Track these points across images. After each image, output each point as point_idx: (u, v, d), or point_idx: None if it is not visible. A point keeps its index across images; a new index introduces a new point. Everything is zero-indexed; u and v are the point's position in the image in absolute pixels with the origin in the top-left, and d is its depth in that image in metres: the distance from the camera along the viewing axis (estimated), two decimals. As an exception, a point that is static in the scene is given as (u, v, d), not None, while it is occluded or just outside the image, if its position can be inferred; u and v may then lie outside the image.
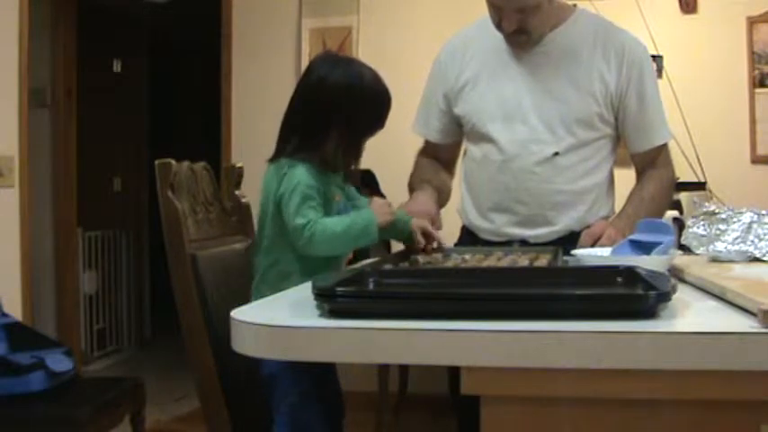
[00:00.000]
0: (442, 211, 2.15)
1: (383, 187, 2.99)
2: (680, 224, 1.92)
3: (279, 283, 1.57)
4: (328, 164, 1.64)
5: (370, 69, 1.70)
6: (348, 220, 1.58)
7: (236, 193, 1.94)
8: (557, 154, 1.95)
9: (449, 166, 2.24)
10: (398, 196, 2.32)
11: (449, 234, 2.16)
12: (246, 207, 1.96)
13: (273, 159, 1.65)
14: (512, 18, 1.88)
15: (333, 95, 1.62)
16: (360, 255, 2.23)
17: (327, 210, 1.62)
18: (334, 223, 1.56)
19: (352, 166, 1.71)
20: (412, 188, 2.14)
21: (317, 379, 1.56)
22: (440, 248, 1.78)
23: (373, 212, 1.61)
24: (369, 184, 2.77)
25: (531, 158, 1.96)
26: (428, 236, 1.77)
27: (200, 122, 6.25)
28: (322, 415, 1.56)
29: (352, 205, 1.75)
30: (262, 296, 1.60)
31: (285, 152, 1.63)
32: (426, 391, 2.95)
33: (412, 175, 2.19)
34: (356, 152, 1.69)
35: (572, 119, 1.95)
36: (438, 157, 2.21)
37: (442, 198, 2.13)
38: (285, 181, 1.59)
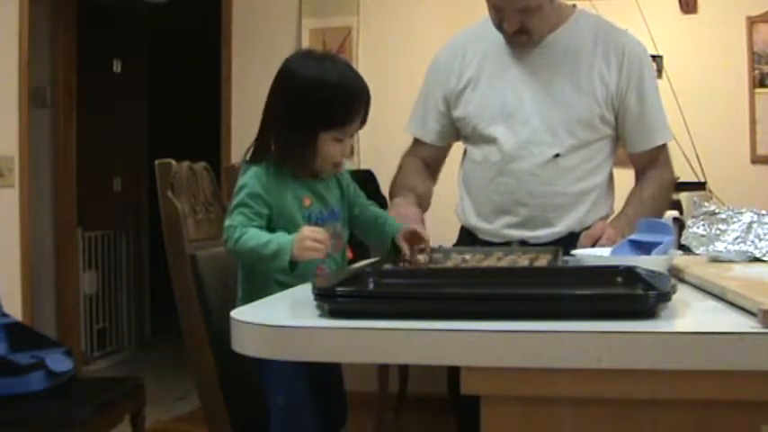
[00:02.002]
0: (439, 212, 2.15)
1: (383, 189, 2.99)
2: (680, 224, 1.92)
3: (254, 281, 1.58)
4: (286, 163, 1.55)
5: (345, 65, 1.60)
6: (264, 240, 1.46)
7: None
8: (558, 155, 1.95)
9: (435, 172, 2.20)
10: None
11: (447, 235, 2.16)
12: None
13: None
14: (513, 18, 1.88)
15: (286, 87, 1.55)
16: (360, 255, 2.22)
17: (287, 216, 1.53)
18: (253, 237, 1.47)
19: (313, 166, 1.58)
20: (394, 193, 2.08)
21: (314, 381, 1.55)
22: (425, 253, 1.67)
23: (294, 241, 1.44)
24: (369, 185, 2.76)
25: (532, 160, 1.95)
26: (414, 239, 1.64)
27: (200, 123, 6.25)
28: (314, 419, 1.55)
29: (359, 207, 1.71)
30: (243, 293, 1.60)
31: (252, 154, 1.61)
32: (426, 391, 2.94)
33: (396, 179, 2.13)
34: (306, 145, 1.54)
35: (573, 120, 1.95)
36: (427, 161, 2.17)
37: (424, 206, 2.07)
38: (237, 183, 1.57)
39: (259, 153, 1.60)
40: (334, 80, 1.54)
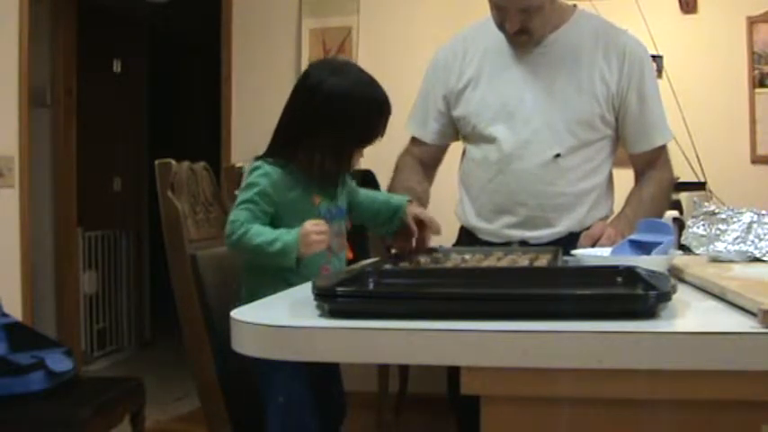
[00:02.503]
0: (439, 212, 2.14)
1: (383, 188, 2.99)
2: (680, 224, 1.92)
3: (259, 279, 1.58)
4: (310, 171, 1.58)
5: (369, 78, 1.63)
6: (270, 237, 1.50)
7: (236, 193, 1.94)
8: (558, 155, 1.95)
9: (431, 172, 2.20)
10: (398, 196, 2.31)
11: (447, 235, 2.16)
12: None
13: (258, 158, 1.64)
14: (515, 18, 1.88)
15: (324, 103, 1.57)
16: (360, 255, 2.22)
17: (297, 214, 1.55)
18: (258, 234, 1.50)
19: (339, 175, 1.63)
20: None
21: (314, 380, 1.55)
22: (432, 249, 1.73)
23: (298, 238, 1.49)
24: (369, 185, 2.76)
25: (532, 160, 1.95)
26: (421, 223, 1.70)
27: (200, 122, 6.26)
28: (314, 417, 1.55)
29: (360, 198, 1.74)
30: (247, 289, 1.61)
31: (266, 152, 1.63)
32: (426, 391, 2.95)
33: (394, 179, 2.14)
34: (342, 161, 1.61)
35: (574, 120, 1.95)
36: (424, 161, 2.17)
37: (423, 206, 2.04)
38: (246, 178, 1.59)
39: (274, 153, 1.61)
40: (371, 99, 1.59)
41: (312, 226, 1.50)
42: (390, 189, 2.12)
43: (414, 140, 2.18)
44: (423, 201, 2.07)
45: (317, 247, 1.50)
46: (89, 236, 4.60)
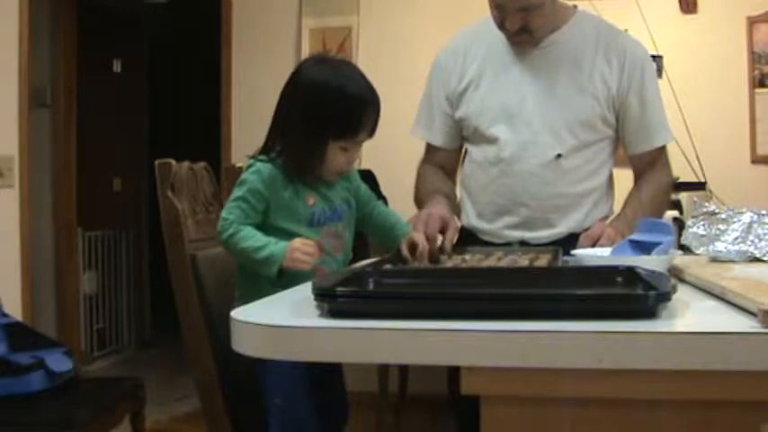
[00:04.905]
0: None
1: (383, 188, 2.99)
2: (680, 224, 1.93)
3: (250, 281, 1.58)
4: (292, 166, 1.57)
5: (359, 74, 1.61)
6: (258, 244, 1.49)
7: (236, 193, 1.94)
8: (559, 156, 1.95)
9: (452, 175, 2.20)
10: (398, 197, 2.32)
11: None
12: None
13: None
14: (515, 17, 1.87)
15: (304, 90, 1.56)
16: (360, 255, 2.22)
17: (289, 213, 1.56)
18: (247, 237, 1.50)
19: (319, 173, 1.60)
20: (420, 201, 2.08)
21: (315, 380, 1.55)
22: (435, 258, 1.66)
23: (286, 250, 1.47)
24: (369, 185, 2.76)
25: (533, 161, 1.95)
26: (414, 248, 1.64)
27: (200, 122, 6.25)
28: (315, 418, 1.55)
29: (364, 207, 1.73)
30: (239, 292, 1.61)
31: (260, 150, 1.62)
32: (426, 391, 2.94)
33: (417, 188, 2.14)
34: (317, 153, 1.57)
35: (575, 121, 1.95)
36: (441, 165, 2.16)
37: (454, 206, 2.07)
38: (240, 177, 1.59)
39: (266, 151, 1.61)
40: (348, 90, 1.56)
41: (301, 244, 1.48)
42: (416, 196, 2.12)
43: (428, 147, 2.18)
44: (451, 198, 2.08)
45: (300, 265, 1.47)
46: (89, 236, 4.60)
